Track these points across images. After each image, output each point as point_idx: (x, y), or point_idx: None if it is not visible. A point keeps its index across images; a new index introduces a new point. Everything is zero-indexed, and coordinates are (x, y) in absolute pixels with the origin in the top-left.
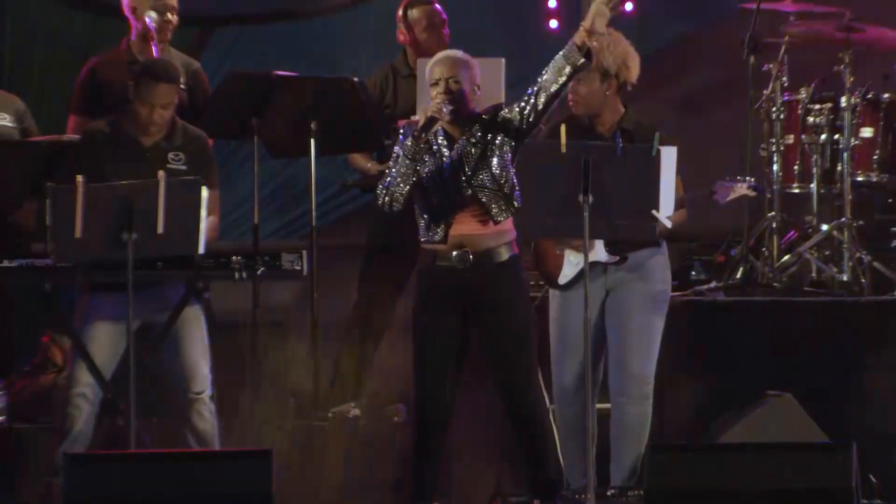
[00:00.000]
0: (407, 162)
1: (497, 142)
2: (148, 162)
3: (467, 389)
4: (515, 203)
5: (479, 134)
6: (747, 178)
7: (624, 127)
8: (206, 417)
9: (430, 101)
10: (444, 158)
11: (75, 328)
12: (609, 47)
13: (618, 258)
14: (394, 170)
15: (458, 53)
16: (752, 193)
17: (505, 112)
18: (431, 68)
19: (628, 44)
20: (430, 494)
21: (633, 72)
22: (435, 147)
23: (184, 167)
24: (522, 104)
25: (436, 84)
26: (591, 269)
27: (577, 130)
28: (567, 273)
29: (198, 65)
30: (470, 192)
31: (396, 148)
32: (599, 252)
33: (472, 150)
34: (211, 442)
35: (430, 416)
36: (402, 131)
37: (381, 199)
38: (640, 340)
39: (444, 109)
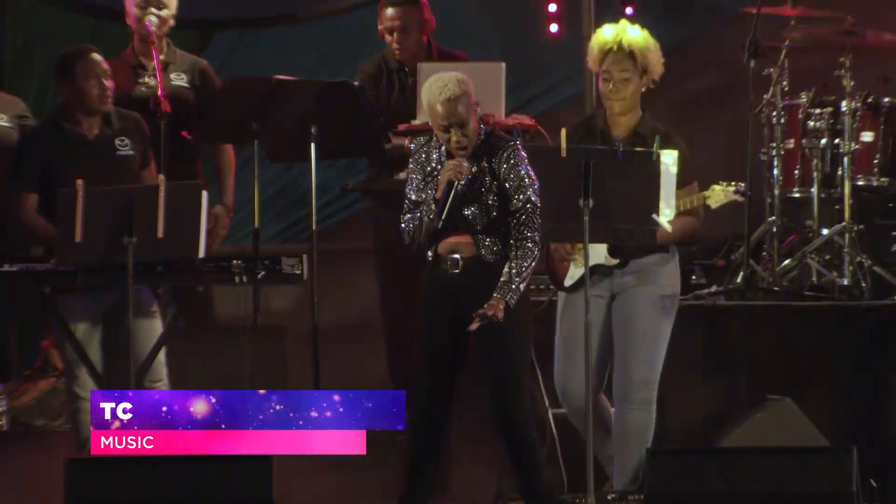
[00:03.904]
0: (427, 222)
1: (491, 188)
2: (97, 154)
3: (470, 392)
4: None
5: (476, 170)
6: (737, 183)
7: (639, 131)
8: None
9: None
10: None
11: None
12: (652, 47)
13: (617, 261)
14: (414, 214)
15: (452, 86)
16: (740, 199)
17: (504, 170)
18: (433, 106)
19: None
20: (424, 498)
21: (659, 71)
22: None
23: (131, 152)
24: (517, 218)
25: (445, 130)
26: (596, 272)
27: (591, 133)
28: (573, 274)
29: (205, 63)
30: (465, 225)
31: (411, 167)
32: (599, 255)
33: (471, 199)
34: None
35: (425, 422)
36: (412, 147)
37: (406, 239)
38: (643, 345)
39: (464, 168)
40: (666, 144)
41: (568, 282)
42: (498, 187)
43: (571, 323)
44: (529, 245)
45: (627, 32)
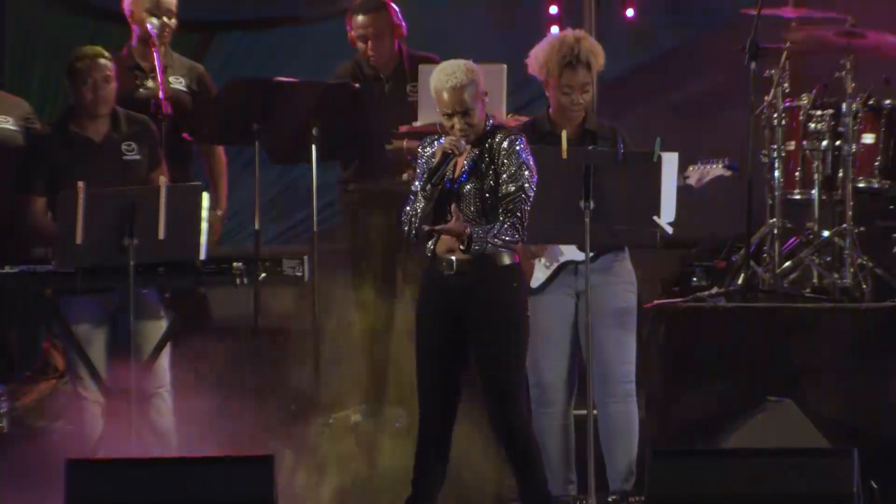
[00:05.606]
0: (424, 201)
1: (489, 171)
2: (104, 158)
3: (470, 395)
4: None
5: (476, 158)
6: (722, 158)
7: (588, 129)
8: (164, 412)
9: (444, 134)
10: (447, 184)
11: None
12: (602, 54)
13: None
14: (415, 204)
15: (460, 74)
16: (727, 173)
17: (504, 154)
18: (439, 93)
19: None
20: (430, 498)
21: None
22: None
23: (138, 157)
24: (506, 205)
25: (449, 116)
26: (564, 269)
27: (539, 137)
28: (538, 277)
29: (202, 68)
30: (461, 217)
31: (420, 165)
32: (571, 251)
33: (471, 177)
34: (169, 437)
35: (430, 422)
36: (420, 149)
37: (404, 229)
38: (616, 340)
39: (461, 144)
40: (613, 140)
41: (534, 283)
42: (495, 173)
43: (544, 324)
44: (516, 222)
45: (582, 44)
